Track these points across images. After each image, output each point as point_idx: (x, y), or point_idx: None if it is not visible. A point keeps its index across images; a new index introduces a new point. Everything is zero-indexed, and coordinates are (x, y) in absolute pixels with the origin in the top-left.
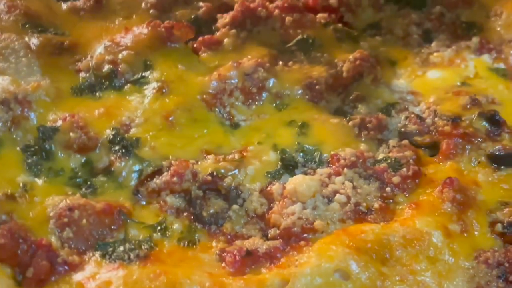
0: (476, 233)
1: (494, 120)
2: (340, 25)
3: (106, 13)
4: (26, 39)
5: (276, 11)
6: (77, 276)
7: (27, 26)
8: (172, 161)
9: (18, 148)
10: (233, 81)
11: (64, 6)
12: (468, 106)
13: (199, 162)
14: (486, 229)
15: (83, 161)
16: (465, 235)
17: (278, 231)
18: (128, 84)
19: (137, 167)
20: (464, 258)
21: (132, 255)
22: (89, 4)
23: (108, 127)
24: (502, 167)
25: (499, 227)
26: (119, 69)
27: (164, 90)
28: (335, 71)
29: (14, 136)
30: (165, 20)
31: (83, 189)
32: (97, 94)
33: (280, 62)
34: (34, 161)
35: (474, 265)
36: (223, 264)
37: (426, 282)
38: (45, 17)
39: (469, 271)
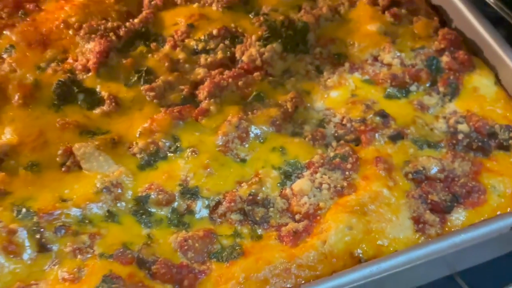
0: (400, 183)
1: (384, 115)
2: (270, 77)
3: (125, 110)
4: (90, 142)
5: (230, 79)
6: (211, 277)
7: (83, 133)
8: (225, 194)
9: (130, 215)
10: (232, 134)
11: (96, 111)
12: (366, 110)
13: (238, 189)
14: (404, 179)
15: (171, 210)
16: (394, 184)
17: (301, 215)
18: (170, 154)
19: (206, 203)
20: (401, 198)
21: (235, 254)
22: (112, 106)
23: (176, 184)
24: (396, 141)
25: (409, 176)
26: (160, 146)
27: (196, 152)
28: (283, 109)
29: (119, 207)
30: (165, 104)
31: (181, 226)
32: (154, 166)
33: (249, 113)
34: (144, 219)
35: (408, 200)
36: (284, 243)
37: (389, 217)
38: (89, 123)
39: (406, 204)
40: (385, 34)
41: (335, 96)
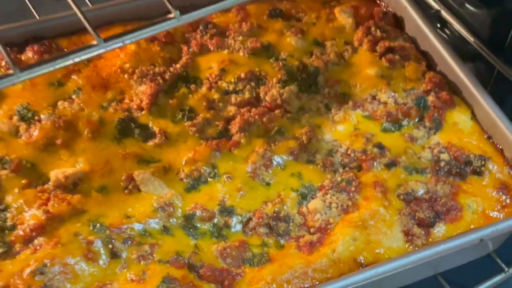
0: (394, 203)
1: (380, 146)
2: (288, 114)
3: (173, 142)
4: (146, 170)
5: (256, 116)
6: (245, 279)
7: (140, 162)
8: (254, 212)
9: (180, 229)
10: (259, 162)
11: (149, 143)
12: (366, 142)
13: (265, 208)
14: (396, 199)
15: (212, 225)
16: (388, 204)
17: (314, 229)
18: (209, 179)
19: (240, 219)
20: (395, 215)
21: (263, 260)
22: (162, 139)
23: (215, 204)
24: (391, 168)
25: (401, 197)
26: (201, 172)
27: (230, 178)
28: (299, 141)
29: (172, 222)
30: (204, 137)
31: (220, 238)
32: (197, 189)
33: (272, 144)
34: (191, 232)
35: (399, 217)
36: (302, 252)
37: (385, 230)
38: (144, 154)
39: (398, 220)
40: (381, 77)
41: (341, 129)
